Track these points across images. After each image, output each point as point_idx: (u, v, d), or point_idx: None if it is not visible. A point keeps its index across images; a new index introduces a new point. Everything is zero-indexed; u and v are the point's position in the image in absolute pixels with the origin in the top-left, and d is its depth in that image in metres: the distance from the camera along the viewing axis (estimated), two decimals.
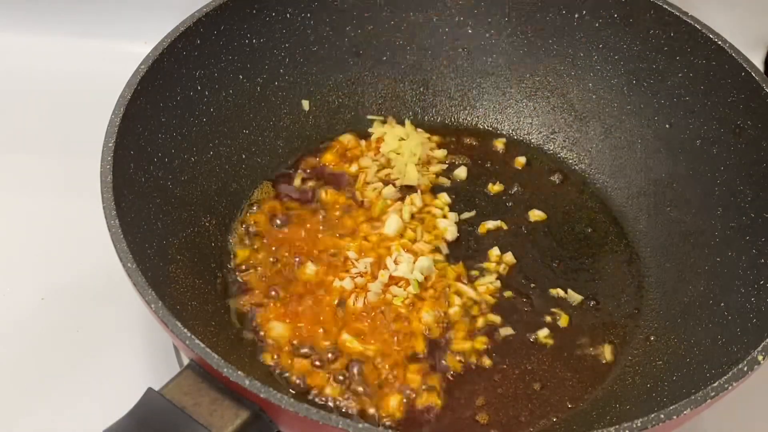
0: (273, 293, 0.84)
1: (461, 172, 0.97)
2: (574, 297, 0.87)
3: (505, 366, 0.81)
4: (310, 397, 0.78)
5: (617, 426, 0.61)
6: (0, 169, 1.02)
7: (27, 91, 1.11)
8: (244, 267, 0.86)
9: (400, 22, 1.00)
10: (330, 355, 0.80)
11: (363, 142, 0.98)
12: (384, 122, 1.00)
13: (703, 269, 0.84)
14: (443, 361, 0.81)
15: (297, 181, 0.94)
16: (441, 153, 0.98)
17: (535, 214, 0.94)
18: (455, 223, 0.92)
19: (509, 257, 0.89)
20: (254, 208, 0.91)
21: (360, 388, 0.78)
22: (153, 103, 0.81)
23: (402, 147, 0.97)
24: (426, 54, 1.01)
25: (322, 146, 0.97)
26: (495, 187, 0.96)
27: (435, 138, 1.00)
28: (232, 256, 0.87)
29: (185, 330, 0.63)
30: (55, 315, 0.89)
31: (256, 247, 0.88)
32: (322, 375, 0.79)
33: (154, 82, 0.81)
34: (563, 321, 0.85)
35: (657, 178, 0.93)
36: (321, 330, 0.82)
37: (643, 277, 0.89)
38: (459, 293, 0.86)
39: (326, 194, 0.93)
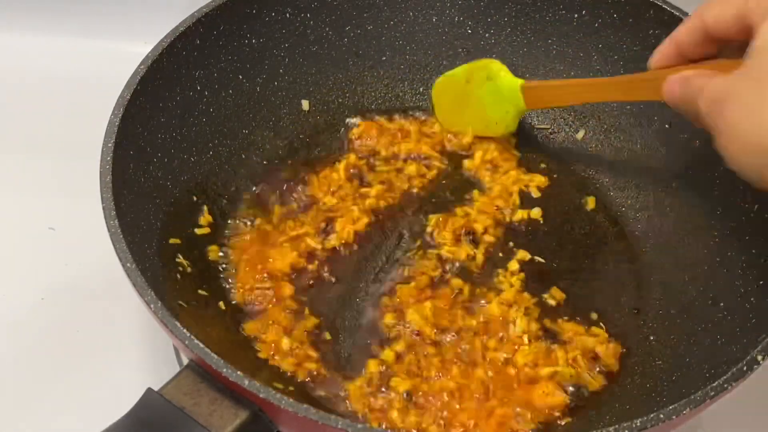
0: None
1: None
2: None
3: None
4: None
5: (617, 426, 0.61)
6: (0, 168, 1.02)
7: (27, 91, 1.11)
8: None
9: (400, 22, 1.00)
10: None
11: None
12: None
13: (703, 269, 0.84)
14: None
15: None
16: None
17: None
18: None
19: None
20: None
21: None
22: (153, 103, 0.81)
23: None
24: (426, 54, 1.01)
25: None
26: None
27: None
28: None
29: (185, 330, 0.63)
30: (54, 315, 0.89)
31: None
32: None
33: (154, 82, 0.81)
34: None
35: (657, 178, 0.93)
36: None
37: (643, 277, 0.89)
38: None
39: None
